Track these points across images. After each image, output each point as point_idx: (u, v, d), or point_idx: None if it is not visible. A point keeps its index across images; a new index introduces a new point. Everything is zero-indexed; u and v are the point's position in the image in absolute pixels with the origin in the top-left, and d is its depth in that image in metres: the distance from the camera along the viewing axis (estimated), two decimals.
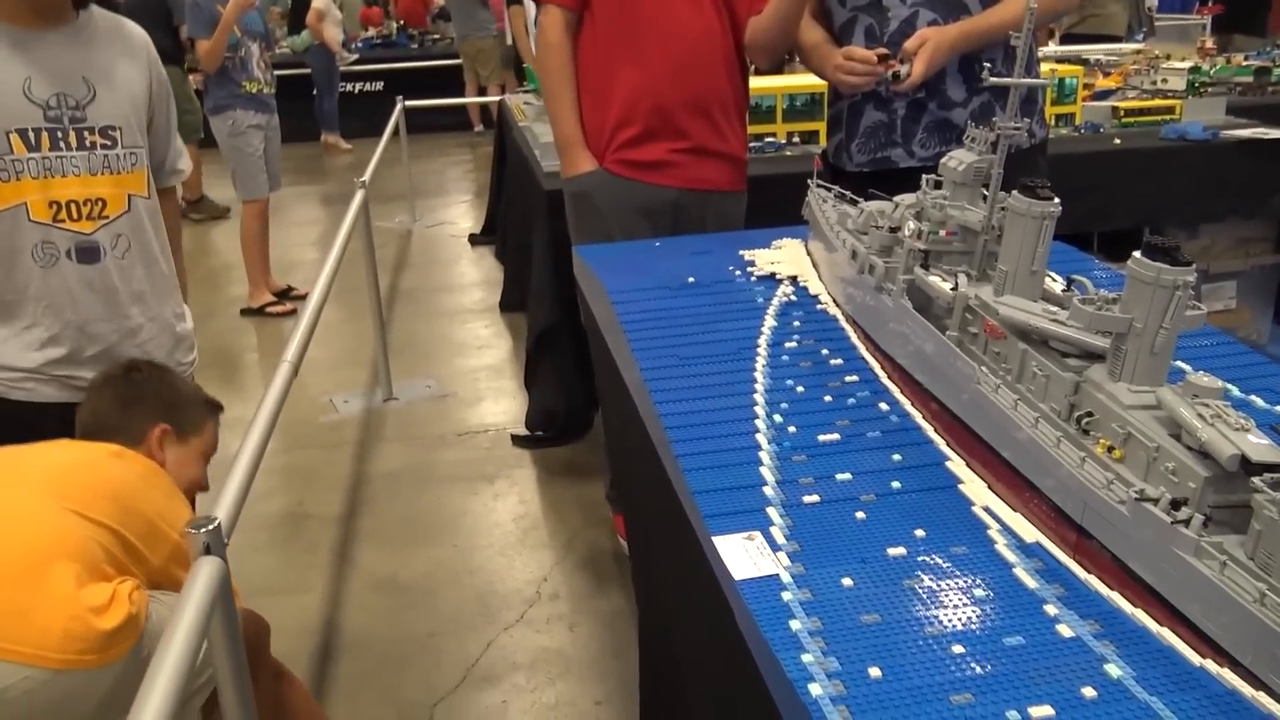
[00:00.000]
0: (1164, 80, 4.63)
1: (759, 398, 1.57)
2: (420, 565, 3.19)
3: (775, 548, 1.20)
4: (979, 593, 1.11)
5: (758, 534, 1.23)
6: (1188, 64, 4.89)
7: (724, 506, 1.28)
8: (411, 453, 3.95)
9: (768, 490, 1.32)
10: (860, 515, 1.26)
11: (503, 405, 4.31)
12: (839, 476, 1.35)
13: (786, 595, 1.11)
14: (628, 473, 1.90)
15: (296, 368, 2.21)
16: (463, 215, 7.74)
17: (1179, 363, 1.52)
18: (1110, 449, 1.16)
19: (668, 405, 1.55)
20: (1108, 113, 4.10)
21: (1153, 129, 3.99)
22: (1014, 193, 1.41)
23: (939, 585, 1.12)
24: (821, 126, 3.83)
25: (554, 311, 3.53)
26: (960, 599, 1.10)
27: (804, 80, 3.82)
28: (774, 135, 3.85)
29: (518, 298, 5.03)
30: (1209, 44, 6.08)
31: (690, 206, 2.68)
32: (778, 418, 1.50)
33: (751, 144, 3.62)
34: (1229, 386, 1.06)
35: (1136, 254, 1.16)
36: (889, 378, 1.62)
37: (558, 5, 2.60)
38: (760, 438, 1.45)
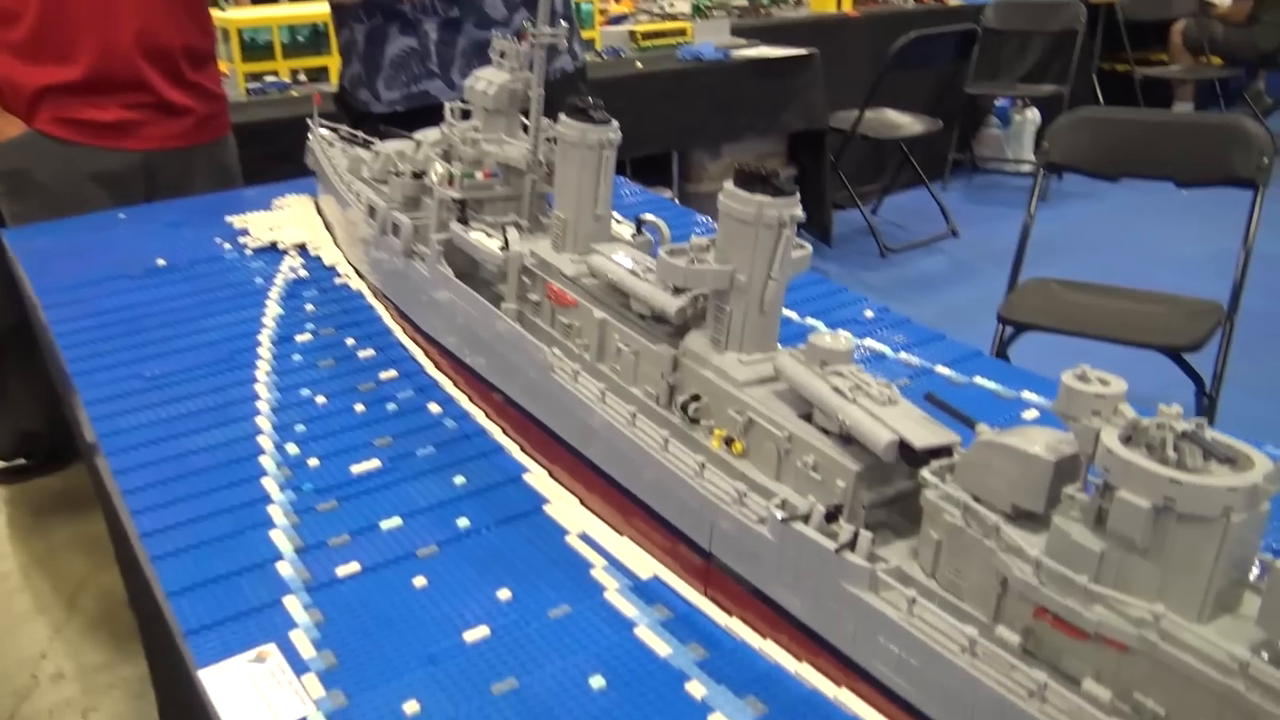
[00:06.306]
0: (670, 4, 4.69)
1: (264, 421, 1.14)
2: None
3: (300, 668, 0.80)
4: (595, 683, 0.79)
5: (272, 649, 0.82)
6: None
7: (216, 611, 0.86)
8: None
9: (284, 568, 0.91)
10: (420, 582, 0.90)
11: None
12: (384, 524, 0.97)
13: None
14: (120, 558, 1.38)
15: None
16: None
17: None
18: (729, 441, 0.89)
19: (124, 456, 1.06)
20: (625, 37, 4.04)
21: (669, 51, 3.98)
22: (562, 117, 1.10)
23: (541, 682, 0.80)
24: (331, 62, 3.34)
25: (11, 310, 2.75)
26: (576, 700, 0.78)
27: (305, 9, 3.29)
28: (275, 74, 3.29)
29: None
30: None
31: (168, 166, 2.11)
32: (293, 448, 1.09)
33: (250, 85, 3.06)
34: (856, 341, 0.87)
35: (728, 185, 0.89)
36: (437, 367, 1.26)
37: None
38: (269, 484, 1.02)
